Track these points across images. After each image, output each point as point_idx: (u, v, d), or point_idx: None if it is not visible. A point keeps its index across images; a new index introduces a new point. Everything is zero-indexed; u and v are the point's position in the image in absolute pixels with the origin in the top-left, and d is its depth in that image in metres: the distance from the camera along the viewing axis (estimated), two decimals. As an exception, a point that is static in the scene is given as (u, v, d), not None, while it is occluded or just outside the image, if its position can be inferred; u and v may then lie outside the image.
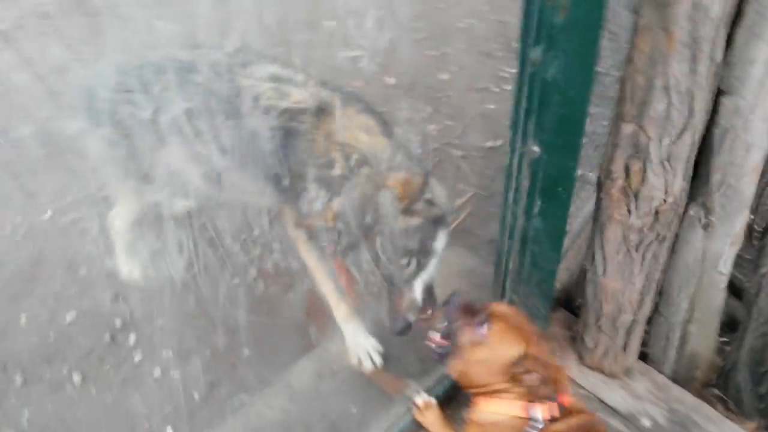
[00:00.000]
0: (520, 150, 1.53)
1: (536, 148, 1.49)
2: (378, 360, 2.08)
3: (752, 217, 1.91)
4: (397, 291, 1.76)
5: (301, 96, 1.88)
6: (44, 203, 2.98)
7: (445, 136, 3.26)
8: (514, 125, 1.50)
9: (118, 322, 2.43)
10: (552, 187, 1.54)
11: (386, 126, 1.88)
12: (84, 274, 2.64)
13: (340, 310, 2.11)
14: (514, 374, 1.44)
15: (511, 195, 1.64)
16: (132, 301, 2.50)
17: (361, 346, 2.09)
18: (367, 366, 2.08)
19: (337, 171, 1.78)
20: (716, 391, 1.94)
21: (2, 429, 2.12)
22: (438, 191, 1.82)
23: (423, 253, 1.75)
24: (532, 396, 1.43)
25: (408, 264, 1.73)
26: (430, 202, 1.75)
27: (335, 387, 2.08)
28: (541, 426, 1.42)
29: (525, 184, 1.59)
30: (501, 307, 1.58)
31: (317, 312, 2.25)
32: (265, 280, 2.54)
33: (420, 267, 1.76)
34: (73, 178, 3.04)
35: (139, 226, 2.48)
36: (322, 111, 1.85)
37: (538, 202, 1.60)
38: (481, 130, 3.28)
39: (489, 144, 3.18)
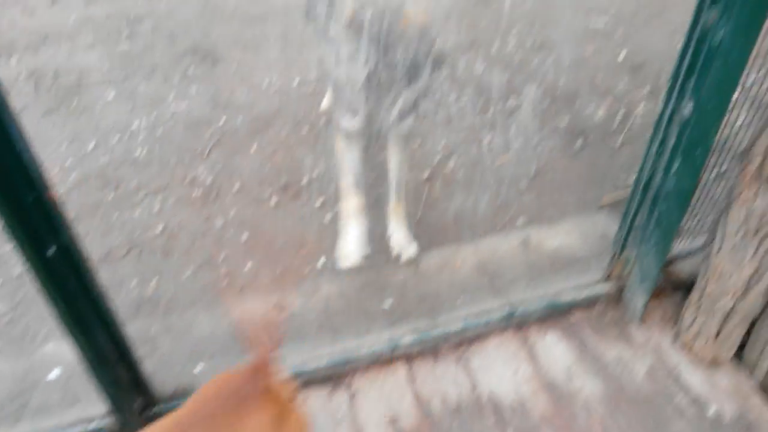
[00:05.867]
0: (673, 107, 1.65)
1: (689, 108, 1.61)
2: (353, 263, 2.35)
3: None
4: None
5: None
6: (296, 73, 3.71)
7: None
8: (673, 82, 1.63)
9: (315, 173, 3.04)
10: (692, 148, 1.65)
11: None
12: (304, 134, 3.30)
13: (348, 205, 2.36)
14: None
15: (654, 149, 1.77)
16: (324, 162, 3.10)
17: (348, 249, 2.37)
18: (344, 264, 2.37)
19: None
20: (807, 423, 1.88)
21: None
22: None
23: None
24: None
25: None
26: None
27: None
28: None
29: (670, 141, 1.71)
30: None
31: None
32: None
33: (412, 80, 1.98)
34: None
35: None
36: None
37: (677, 162, 1.71)
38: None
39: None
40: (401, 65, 1.93)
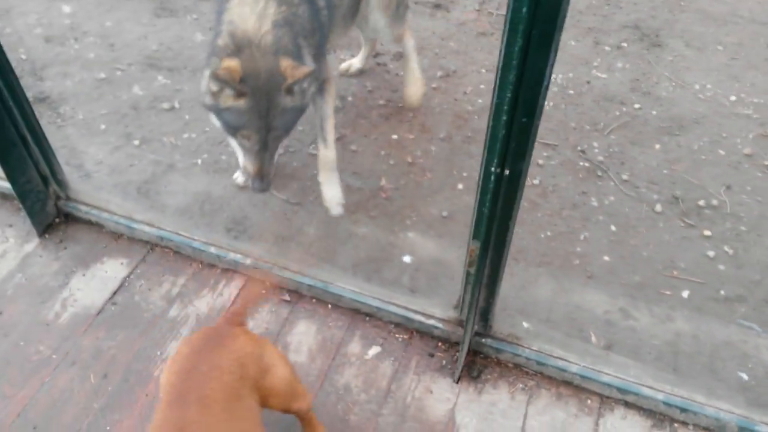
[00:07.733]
0: None
1: None
2: (339, 210, 2.60)
3: None
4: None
5: None
6: (737, 89, 3.27)
7: None
8: None
9: (715, 201, 2.70)
10: None
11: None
12: (719, 155, 2.93)
13: (327, 158, 2.56)
14: None
15: None
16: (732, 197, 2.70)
17: (332, 194, 2.61)
18: (335, 212, 2.59)
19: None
20: None
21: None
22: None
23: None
24: None
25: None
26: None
27: None
28: None
29: None
30: None
31: None
32: None
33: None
34: None
35: None
36: None
37: None
38: None
39: None
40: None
